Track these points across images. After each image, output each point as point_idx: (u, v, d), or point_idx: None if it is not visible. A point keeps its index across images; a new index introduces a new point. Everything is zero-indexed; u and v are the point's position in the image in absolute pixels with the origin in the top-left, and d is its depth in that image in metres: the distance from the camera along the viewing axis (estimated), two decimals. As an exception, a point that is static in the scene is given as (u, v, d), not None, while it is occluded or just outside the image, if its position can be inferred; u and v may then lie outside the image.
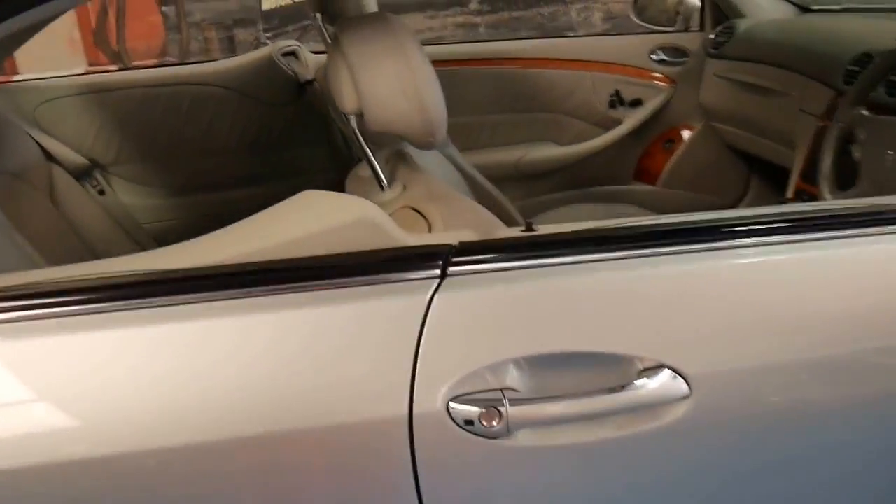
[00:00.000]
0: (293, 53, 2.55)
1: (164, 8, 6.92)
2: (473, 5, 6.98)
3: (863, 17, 2.58)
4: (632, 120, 2.75)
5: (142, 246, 2.26)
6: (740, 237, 1.04)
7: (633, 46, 2.77)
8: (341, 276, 0.96)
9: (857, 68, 2.05)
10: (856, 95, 1.76)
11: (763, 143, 2.57)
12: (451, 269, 0.97)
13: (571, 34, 6.81)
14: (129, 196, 2.39)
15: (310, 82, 2.44)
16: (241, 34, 7.07)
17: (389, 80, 1.18)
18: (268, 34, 6.92)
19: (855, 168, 1.92)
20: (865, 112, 1.75)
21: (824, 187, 1.79)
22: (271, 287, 0.95)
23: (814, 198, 2.10)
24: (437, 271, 0.97)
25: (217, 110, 2.41)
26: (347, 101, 1.25)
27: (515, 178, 2.72)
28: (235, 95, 2.41)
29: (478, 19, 6.94)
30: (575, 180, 2.81)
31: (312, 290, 0.95)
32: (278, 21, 7.11)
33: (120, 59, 6.34)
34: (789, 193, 2.23)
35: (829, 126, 2.10)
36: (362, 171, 1.45)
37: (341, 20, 1.35)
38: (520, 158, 2.69)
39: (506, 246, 1.04)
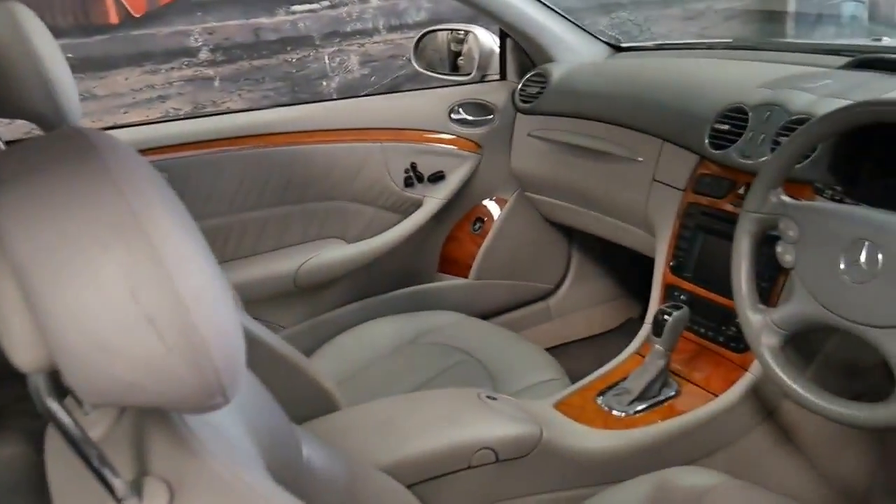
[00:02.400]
0: None
1: None
2: (204, 55, 6.20)
3: (685, 56, 2.24)
4: (433, 200, 2.25)
5: None
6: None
7: (428, 105, 2.26)
8: None
9: (726, 126, 1.67)
10: (774, 174, 1.32)
11: (597, 218, 2.16)
12: None
13: (325, 83, 6.23)
14: None
15: None
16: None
17: (117, 296, 0.52)
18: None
19: (779, 274, 1.51)
20: (787, 198, 1.32)
21: (744, 306, 1.34)
22: None
23: (695, 298, 1.68)
24: None
25: None
26: (20, 345, 0.56)
27: (295, 294, 2.11)
28: None
29: (211, 71, 6.11)
30: (371, 285, 2.26)
31: None
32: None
33: None
34: (656, 296, 1.79)
35: (703, 204, 1.71)
36: None
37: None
38: (298, 267, 2.09)
39: None
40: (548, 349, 2.26)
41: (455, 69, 2.46)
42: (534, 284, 2.51)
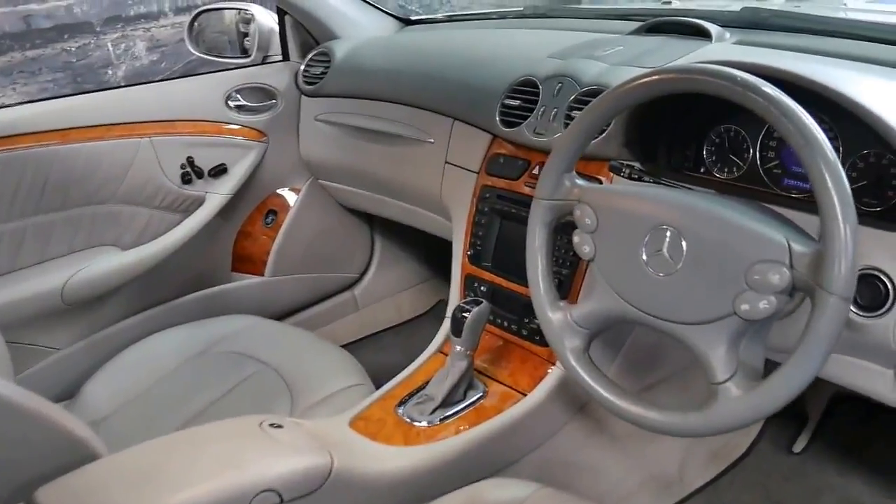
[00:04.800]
0: None
1: None
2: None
3: (476, 28, 2.05)
4: (217, 196, 1.95)
5: None
6: None
7: (201, 93, 1.94)
8: None
9: (517, 101, 1.48)
10: (565, 156, 1.12)
11: (394, 204, 1.94)
12: None
13: (110, 71, 5.63)
14: None
15: None
16: None
17: None
18: None
19: (580, 260, 1.32)
20: (582, 182, 1.13)
21: (542, 305, 1.14)
22: None
23: (496, 289, 1.48)
24: None
25: None
26: None
27: (65, 311, 1.77)
28: None
29: (-21, 65, 5.44)
30: (156, 293, 1.95)
31: None
32: None
33: None
34: (456, 285, 1.58)
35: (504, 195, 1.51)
36: None
37: None
38: (65, 282, 1.74)
39: None
40: (357, 341, 2.00)
41: (245, 51, 2.16)
42: (337, 275, 2.27)
